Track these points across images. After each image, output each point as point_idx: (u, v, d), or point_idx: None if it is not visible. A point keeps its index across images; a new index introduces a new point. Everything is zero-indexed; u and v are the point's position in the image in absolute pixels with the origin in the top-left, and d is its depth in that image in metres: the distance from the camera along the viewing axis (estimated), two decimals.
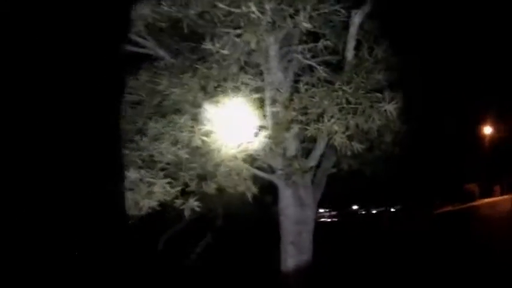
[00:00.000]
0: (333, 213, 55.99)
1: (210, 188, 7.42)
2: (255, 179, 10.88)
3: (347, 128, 6.54)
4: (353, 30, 8.05)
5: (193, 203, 6.94)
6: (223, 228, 17.99)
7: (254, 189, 7.96)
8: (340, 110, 6.62)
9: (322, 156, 9.76)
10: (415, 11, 8.27)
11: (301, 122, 6.83)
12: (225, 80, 7.71)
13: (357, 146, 6.69)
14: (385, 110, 6.39)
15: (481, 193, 35.07)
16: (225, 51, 7.24)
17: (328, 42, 7.96)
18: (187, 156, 7.09)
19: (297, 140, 8.48)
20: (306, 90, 6.96)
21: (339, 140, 6.47)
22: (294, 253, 9.49)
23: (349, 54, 8.06)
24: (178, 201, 6.97)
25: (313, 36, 8.66)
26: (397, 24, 8.17)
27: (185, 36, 7.98)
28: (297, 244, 9.51)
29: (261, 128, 7.25)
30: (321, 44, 7.97)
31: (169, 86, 7.46)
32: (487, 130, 35.26)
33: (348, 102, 6.72)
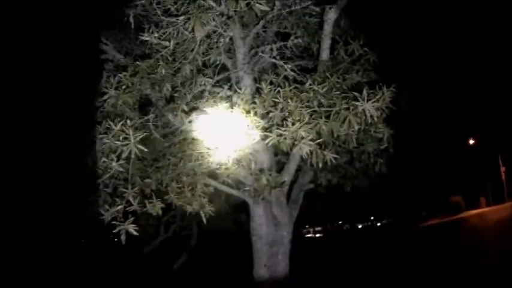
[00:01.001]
0: (317, 229, 55.41)
1: (156, 207, 6.39)
2: (229, 196, 9.95)
3: (318, 135, 5.59)
4: (328, 27, 7.18)
5: (128, 225, 5.79)
6: (198, 248, 17.22)
7: (210, 209, 6.94)
8: (310, 114, 5.68)
9: (298, 170, 8.87)
10: (395, 5, 7.44)
11: (263, 128, 5.86)
12: (174, 75, 6.77)
13: (330, 157, 5.72)
14: (364, 111, 5.45)
15: (467, 205, 34.71)
16: (167, 43, 6.30)
17: (300, 40, 7.08)
18: (120, 169, 6.02)
19: (268, 152, 7.53)
20: (270, 90, 6.03)
21: (305, 148, 5.50)
22: (268, 277, 8.48)
23: (324, 54, 7.19)
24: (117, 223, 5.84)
25: (283, 36, 7.84)
26: (376, 20, 7.33)
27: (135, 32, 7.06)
28: (272, 267, 8.51)
29: (225, 137, 6.25)
30: (290, 43, 7.10)
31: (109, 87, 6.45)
32: (471, 142, 35.05)
33: (320, 105, 5.80)
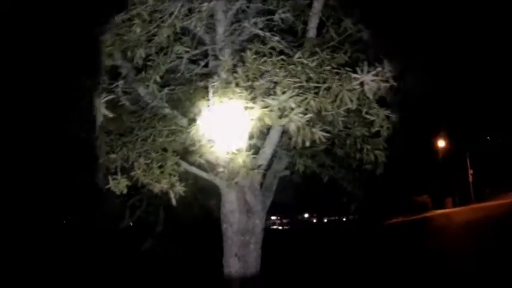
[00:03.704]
0: (284, 221, 55.29)
1: (120, 185, 5.81)
2: (197, 179, 9.38)
3: (306, 111, 5.06)
4: (317, 4, 6.69)
5: None
6: (164, 234, 16.63)
7: (180, 188, 6.36)
8: (298, 88, 5.16)
9: (273, 156, 8.38)
10: None
11: (245, 99, 5.27)
12: (148, 41, 6.17)
13: (319, 135, 5.20)
14: (362, 85, 4.89)
15: (433, 205, 35.10)
16: None
17: (287, 15, 6.55)
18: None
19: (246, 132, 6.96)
20: (255, 60, 5.47)
21: (296, 121, 4.95)
22: (239, 268, 7.99)
23: (311, 32, 6.69)
24: None
25: (268, 13, 7.31)
26: None
27: None
28: (243, 257, 8.02)
29: (199, 111, 5.68)
30: (277, 16, 6.57)
31: None
32: (440, 143, 35.38)
33: (309, 79, 5.27)
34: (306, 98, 5.07)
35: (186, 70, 7.38)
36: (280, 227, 53.64)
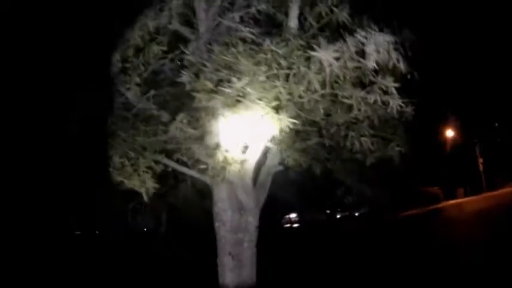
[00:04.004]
0: (295, 218, 54.82)
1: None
2: (194, 181, 9.26)
3: (277, 99, 4.89)
4: None
5: None
6: (171, 238, 16.65)
7: (152, 185, 6.27)
8: (267, 77, 5.00)
9: (267, 152, 8.23)
10: None
11: (207, 91, 5.12)
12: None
13: (286, 121, 4.99)
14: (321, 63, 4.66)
15: (445, 196, 34.63)
16: None
17: (263, 6, 6.40)
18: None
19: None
20: (221, 52, 5.30)
21: (248, 104, 4.79)
22: (233, 267, 7.88)
23: (292, 22, 6.50)
24: None
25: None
26: None
27: None
28: (236, 256, 7.90)
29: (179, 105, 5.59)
30: (253, 9, 6.42)
31: None
32: (448, 133, 34.86)
33: (280, 67, 5.11)
34: (276, 87, 4.92)
35: (170, 71, 7.30)
36: (291, 225, 53.11)
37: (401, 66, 5.07)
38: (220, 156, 5.51)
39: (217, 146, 5.48)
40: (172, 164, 7.01)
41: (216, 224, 8.01)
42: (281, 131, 5.25)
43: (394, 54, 4.95)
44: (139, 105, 7.39)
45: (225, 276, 7.90)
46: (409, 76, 5.54)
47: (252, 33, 5.79)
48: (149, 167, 6.20)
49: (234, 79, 4.90)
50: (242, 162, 6.43)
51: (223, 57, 5.18)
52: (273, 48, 5.19)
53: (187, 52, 5.93)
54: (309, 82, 4.84)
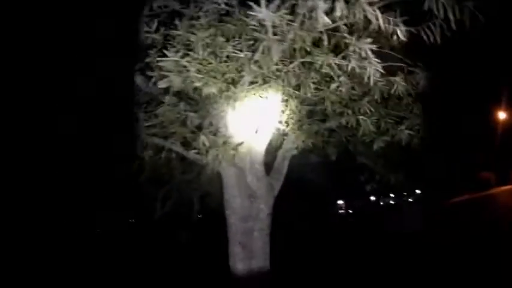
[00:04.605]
0: (343, 205, 53.77)
1: None
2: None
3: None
4: None
5: None
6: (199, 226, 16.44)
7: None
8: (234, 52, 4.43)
9: (284, 135, 7.74)
10: None
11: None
12: None
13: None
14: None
15: (498, 181, 32.77)
16: None
17: None
18: None
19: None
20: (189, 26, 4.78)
21: (198, 80, 4.29)
22: (243, 256, 7.49)
23: None
24: None
25: None
26: None
27: None
28: (247, 245, 7.50)
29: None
30: None
31: None
32: (501, 116, 32.70)
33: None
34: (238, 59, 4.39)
35: None
36: (348, 211, 52.19)
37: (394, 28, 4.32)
38: (203, 138, 5.09)
39: (199, 128, 5.05)
40: (160, 141, 6.63)
41: (227, 212, 7.63)
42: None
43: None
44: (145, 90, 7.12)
45: (236, 267, 7.53)
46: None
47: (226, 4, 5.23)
48: None
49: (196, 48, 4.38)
50: (238, 145, 5.98)
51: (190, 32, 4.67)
52: (243, 18, 4.59)
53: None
54: (268, 49, 4.25)
